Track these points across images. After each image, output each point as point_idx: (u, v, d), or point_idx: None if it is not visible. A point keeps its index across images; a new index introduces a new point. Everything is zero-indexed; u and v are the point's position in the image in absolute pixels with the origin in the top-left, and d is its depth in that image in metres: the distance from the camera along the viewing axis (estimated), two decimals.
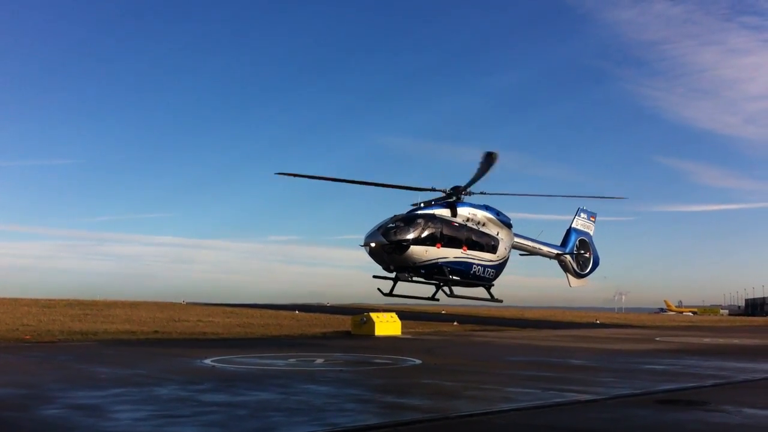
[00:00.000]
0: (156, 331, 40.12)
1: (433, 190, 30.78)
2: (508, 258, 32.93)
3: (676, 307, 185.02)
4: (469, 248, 30.60)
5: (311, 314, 72.52)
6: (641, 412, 14.26)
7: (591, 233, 39.91)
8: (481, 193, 31.33)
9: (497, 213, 32.33)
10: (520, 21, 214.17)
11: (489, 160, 27.75)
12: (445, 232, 29.47)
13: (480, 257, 30.97)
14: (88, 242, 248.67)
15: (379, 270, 29.92)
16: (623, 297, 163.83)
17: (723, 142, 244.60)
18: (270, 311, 77.29)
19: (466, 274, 30.64)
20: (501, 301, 33.74)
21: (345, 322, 46.49)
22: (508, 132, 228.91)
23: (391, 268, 29.22)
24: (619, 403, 15.61)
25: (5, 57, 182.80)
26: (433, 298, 31.72)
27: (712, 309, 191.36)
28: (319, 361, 25.04)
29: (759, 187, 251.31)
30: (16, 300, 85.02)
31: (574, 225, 39.20)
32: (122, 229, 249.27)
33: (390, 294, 31.01)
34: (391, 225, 28.49)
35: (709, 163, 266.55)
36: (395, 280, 29.97)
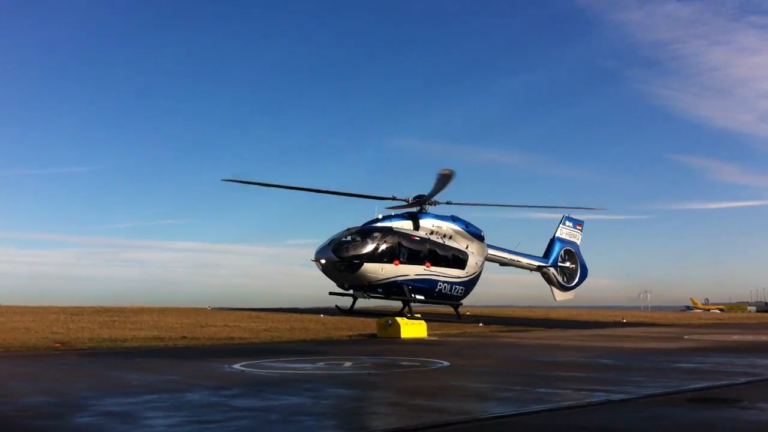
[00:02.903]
0: (184, 337, 40.32)
1: (394, 198, 28.44)
2: (479, 272, 30.11)
3: (702, 304, 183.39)
4: (433, 264, 27.71)
5: (336, 318, 72.59)
6: (674, 411, 14.15)
7: (578, 242, 37.28)
8: (447, 202, 28.86)
9: (466, 225, 29.52)
10: (532, 25, 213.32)
11: (445, 178, 25.93)
12: (405, 246, 26.89)
13: (446, 273, 28.12)
14: (112, 249, 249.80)
15: (334, 286, 27.48)
16: (648, 295, 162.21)
17: (738, 139, 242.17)
18: (295, 315, 77.17)
19: (430, 293, 27.88)
20: (467, 321, 30.95)
21: (370, 325, 46.47)
22: (522, 133, 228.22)
23: (346, 286, 26.95)
24: (650, 403, 15.50)
25: (24, 65, 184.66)
26: (401, 313, 29.24)
27: (739, 306, 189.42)
28: (348, 364, 25.06)
29: None
30: (44, 308, 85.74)
31: (558, 234, 36.51)
32: (146, 235, 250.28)
33: (350, 312, 28.69)
34: (342, 240, 26.01)
35: (725, 161, 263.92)
36: (354, 297, 27.63)
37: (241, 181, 29.55)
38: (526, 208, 38.08)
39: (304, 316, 74.51)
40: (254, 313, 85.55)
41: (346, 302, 27.84)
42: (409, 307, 28.04)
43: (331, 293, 28.03)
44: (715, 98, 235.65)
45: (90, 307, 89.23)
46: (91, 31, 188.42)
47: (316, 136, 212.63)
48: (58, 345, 33.59)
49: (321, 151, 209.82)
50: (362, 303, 27.25)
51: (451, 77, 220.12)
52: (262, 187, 30.07)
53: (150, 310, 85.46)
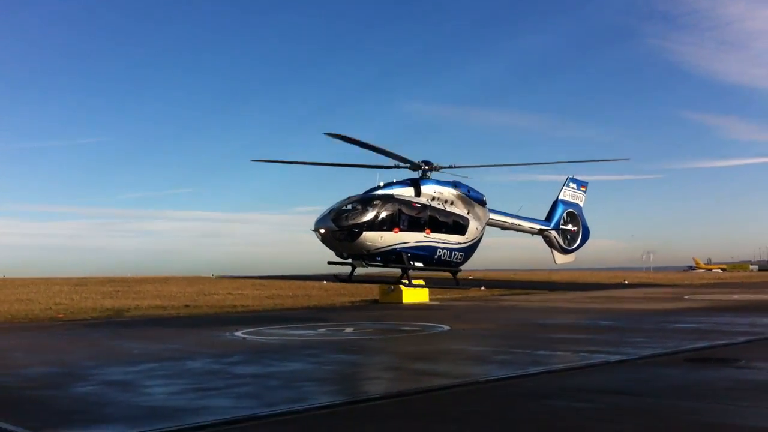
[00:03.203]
0: (187, 306, 40.55)
1: (397, 167, 28.51)
2: (480, 238, 30.24)
3: (704, 264, 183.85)
4: (433, 230, 27.66)
5: (339, 284, 72.77)
6: (672, 371, 14.23)
7: (581, 204, 37.22)
8: (450, 166, 28.90)
9: (468, 189, 29.49)
10: None
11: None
12: (405, 214, 27.04)
13: (446, 240, 28.11)
14: (117, 220, 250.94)
15: (333, 255, 27.78)
16: (651, 256, 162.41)
17: (752, 95, 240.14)
18: (298, 282, 77.78)
19: (429, 260, 28.03)
20: (468, 289, 31.49)
21: (373, 291, 46.68)
22: (532, 95, 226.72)
23: (344, 255, 26.72)
24: (649, 363, 15.59)
25: (31, 41, 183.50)
26: (399, 281, 29.56)
27: (742, 265, 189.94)
28: (349, 330, 25.19)
29: None
30: (48, 279, 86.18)
31: (561, 196, 36.42)
32: (150, 206, 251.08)
33: (349, 280, 29.00)
34: (342, 209, 25.95)
35: (738, 118, 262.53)
36: (353, 265, 27.86)
37: (269, 161, 30.01)
38: (536, 165, 37.53)
39: (307, 282, 74.90)
40: (257, 281, 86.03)
41: (345, 271, 28.00)
42: (408, 275, 28.11)
43: (329, 263, 28.09)
44: (731, 52, 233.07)
45: (94, 278, 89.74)
46: (95, 7, 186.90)
47: (325, 104, 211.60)
48: (60, 315, 33.78)
49: (331, 119, 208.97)
50: (360, 270, 27.23)
51: (461, 40, 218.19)
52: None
53: (153, 280, 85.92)
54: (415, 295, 41.18)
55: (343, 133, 25.57)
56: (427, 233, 27.44)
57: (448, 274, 29.99)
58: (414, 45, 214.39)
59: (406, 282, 28.66)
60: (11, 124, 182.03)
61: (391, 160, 27.96)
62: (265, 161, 30.65)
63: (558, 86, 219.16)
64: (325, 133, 25.84)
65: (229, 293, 55.18)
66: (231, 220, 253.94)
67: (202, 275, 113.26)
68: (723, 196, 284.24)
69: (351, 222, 25.55)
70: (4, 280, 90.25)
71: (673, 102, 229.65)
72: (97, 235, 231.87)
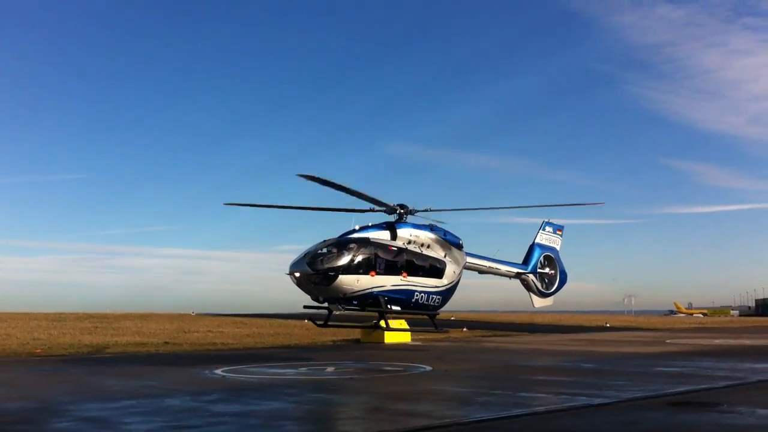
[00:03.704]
0: (166, 343, 40.16)
1: (373, 210, 28.56)
2: (457, 282, 30.15)
3: (686, 309, 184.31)
4: (410, 274, 27.53)
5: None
6: (654, 415, 14.18)
7: (557, 248, 37.43)
8: (426, 210, 28.92)
9: (444, 233, 29.52)
10: (525, 29, 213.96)
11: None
12: (381, 257, 26.58)
13: (423, 283, 27.74)
14: (96, 256, 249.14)
15: (309, 299, 27.55)
16: (632, 300, 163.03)
17: (729, 142, 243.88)
18: (279, 320, 77.23)
19: (406, 303, 27.85)
20: (447, 331, 31.23)
21: (355, 331, 46.48)
22: (513, 138, 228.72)
23: (320, 299, 26.36)
24: (631, 406, 15.53)
25: (13, 75, 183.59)
26: (375, 326, 29.26)
27: (723, 310, 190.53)
28: (330, 369, 25.00)
29: (765, 187, 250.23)
30: (26, 314, 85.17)
31: (537, 240, 36.58)
32: (131, 242, 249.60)
33: (325, 325, 28.73)
34: (318, 252, 25.61)
35: (716, 165, 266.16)
36: (329, 310, 26.95)
37: (241, 204, 29.55)
38: (514, 209, 37.32)
39: (289, 321, 74.40)
40: (238, 319, 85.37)
41: (321, 316, 27.82)
42: (385, 319, 27.91)
43: (305, 307, 27.82)
44: (707, 101, 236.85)
45: (73, 314, 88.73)
46: (77, 40, 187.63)
47: (308, 143, 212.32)
48: (38, 351, 33.35)
49: (314, 158, 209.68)
50: (338, 314, 27.10)
51: (443, 82, 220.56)
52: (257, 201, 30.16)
53: (133, 316, 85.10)
54: (397, 335, 40.99)
55: (319, 175, 25.51)
56: (404, 276, 27.25)
57: (426, 318, 29.84)
58: (394, 87, 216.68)
59: (384, 326, 28.34)
60: None
61: (366, 203, 27.92)
62: (238, 204, 30.15)
63: (538, 130, 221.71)
64: (298, 175, 25.68)
65: (210, 331, 54.72)
66: (210, 257, 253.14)
67: (182, 312, 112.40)
68: (703, 241, 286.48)
69: (327, 265, 25.28)
70: None
71: (652, 148, 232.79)
72: (76, 271, 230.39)
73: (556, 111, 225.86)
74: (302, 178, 25.64)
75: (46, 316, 78.23)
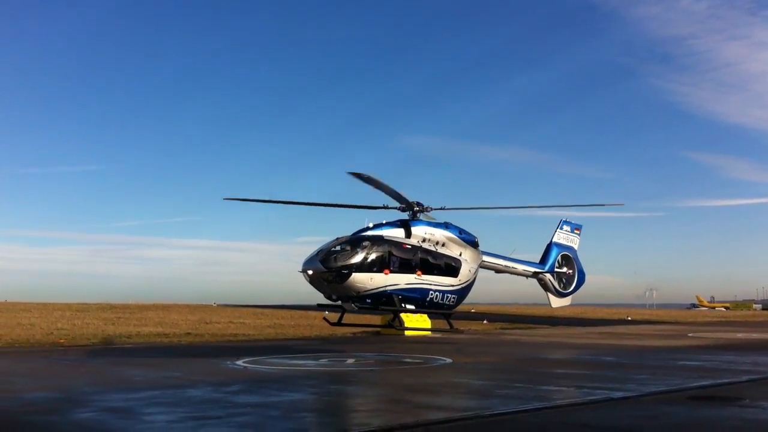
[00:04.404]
0: (188, 333, 40.42)
1: (386, 207, 28.10)
2: (473, 280, 29.55)
3: (707, 302, 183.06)
4: (425, 272, 26.65)
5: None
6: (675, 409, 14.11)
7: (575, 247, 36.74)
8: (441, 208, 28.42)
9: (459, 231, 28.91)
10: (546, 22, 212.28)
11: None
12: (395, 255, 26.33)
13: (438, 282, 27.66)
14: (118, 246, 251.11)
15: (323, 297, 26.87)
16: (654, 293, 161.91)
17: (751, 135, 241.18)
18: (300, 311, 77.45)
19: (421, 302, 27.54)
20: (461, 332, 30.96)
21: (374, 322, 46.51)
22: (534, 132, 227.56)
23: (333, 297, 26.30)
24: (653, 400, 15.46)
25: (34, 68, 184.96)
26: (390, 324, 28.80)
27: (745, 304, 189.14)
28: (350, 361, 25.07)
29: None
30: (49, 305, 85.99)
31: (555, 239, 35.93)
32: (152, 233, 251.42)
33: (339, 324, 28.30)
34: (331, 250, 25.49)
35: (738, 157, 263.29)
36: (342, 309, 27.07)
37: (241, 199, 28.82)
38: (529, 208, 36.83)
39: (309, 312, 74.59)
40: (259, 310, 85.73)
41: (335, 313, 27.64)
42: (399, 318, 27.76)
43: (319, 305, 27.66)
44: (730, 94, 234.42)
45: (95, 304, 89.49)
46: (101, 30, 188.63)
47: (327, 135, 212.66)
48: (61, 341, 33.67)
49: (330, 152, 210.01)
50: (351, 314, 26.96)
51: (463, 76, 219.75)
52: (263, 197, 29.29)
53: (155, 307, 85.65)
54: (417, 323, 40.96)
55: (362, 172, 25.08)
56: (418, 275, 26.84)
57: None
58: (414, 80, 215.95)
59: (398, 325, 28.05)
60: (13, 149, 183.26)
61: (378, 200, 27.62)
62: (237, 199, 29.63)
63: (558, 124, 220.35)
64: (348, 173, 25.22)
65: (231, 322, 55.01)
66: (231, 248, 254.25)
67: (204, 303, 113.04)
68: (725, 234, 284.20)
69: (340, 263, 24.98)
70: (5, 303, 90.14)
71: (673, 141, 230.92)
72: (97, 262, 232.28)
73: (577, 104, 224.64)
74: (352, 176, 25.24)
75: (69, 307, 78.95)
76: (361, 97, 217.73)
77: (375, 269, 25.63)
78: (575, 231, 37.22)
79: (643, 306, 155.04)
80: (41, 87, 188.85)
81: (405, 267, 26.62)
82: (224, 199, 28.94)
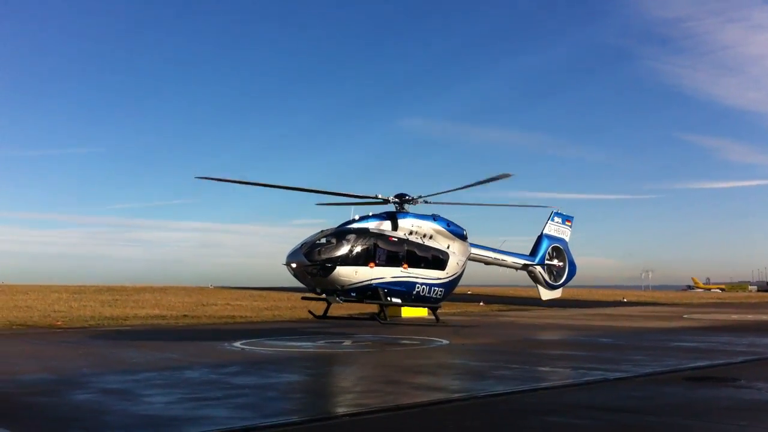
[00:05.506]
0: (185, 316, 40.50)
1: (376, 198, 27.83)
2: (461, 273, 29.25)
3: (703, 284, 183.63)
4: (411, 265, 26.81)
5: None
6: (671, 390, 14.19)
7: (566, 239, 36.48)
8: (425, 201, 28.05)
9: (448, 224, 28.48)
10: (543, 3, 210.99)
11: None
12: (381, 248, 26.07)
13: (425, 275, 27.50)
14: (115, 229, 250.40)
15: (308, 290, 26.70)
16: (650, 275, 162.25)
17: (748, 118, 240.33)
18: (297, 294, 77.44)
19: (407, 295, 27.31)
20: (447, 325, 30.35)
21: (371, 305, 46.61)
22: (530, 114, 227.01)
23: (318, 290, 25.94)
24: (648, 381, 15.55)
25: (34, 51, 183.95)
26: (377, 317, 28.46)
27: (740, 285, 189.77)
28: (347, 342, 25.14)
29: None
30: (46, 287, 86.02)
31: (546, 231, 35.43)
32: (149, 215, 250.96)
33: (324, 317, 28.10)
34: (315, 243, 25.19)
35: (734, 140, 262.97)
36: (327, 302, 26.73)
37: (215, 179, 27.58)
38: (508, 207, 36.63)
39: (307, 294, 74.81)
40: (256, 292, 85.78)
41: (320, 306, 27.43)
42: (384, 312, 27.42)
43: (303, 298, 27.49)
44: (727, 76, 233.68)
45: (92, 286, 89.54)
46: (96, 15, 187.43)
47: (325, 118, 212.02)
48: (59, 323, 33.72)
49: (327, 135, 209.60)
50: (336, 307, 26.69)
51: (460, 58, 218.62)
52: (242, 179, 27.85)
53: (152, 289, 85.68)
54: (413, 309, 41.07)
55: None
56: (404, 268, 26.52)
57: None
58: (412, 62, 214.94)
59: (383, 319, 27.74)
60: (10, 131, 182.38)
61: (366, 191, 27.41)
62: (210, 179, 28.24)
63: (556, 105, 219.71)
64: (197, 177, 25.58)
65: (228, 304, 55.09)
66: (228, 230, 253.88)
67: (201, 285, 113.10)
68: (721, 216, 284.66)
69: (324, 256, 24.63)
70: (2, 286, 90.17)
71: (671, 123, 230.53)
72: (95, 244, 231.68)
73: (574, 86, 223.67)
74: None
75: (66, 289, 78.94)
76: (360, 80, 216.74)
77: (360, 262, 25.25)
78: (566, 223, 37.05)
79: (639, 288, 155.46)
80: (37, 69, 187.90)
81: (391, 260, 26.24)
82: (196, 177, 27.58)
